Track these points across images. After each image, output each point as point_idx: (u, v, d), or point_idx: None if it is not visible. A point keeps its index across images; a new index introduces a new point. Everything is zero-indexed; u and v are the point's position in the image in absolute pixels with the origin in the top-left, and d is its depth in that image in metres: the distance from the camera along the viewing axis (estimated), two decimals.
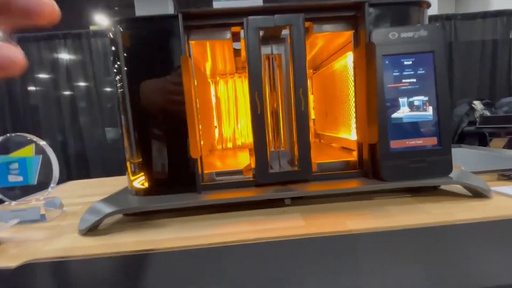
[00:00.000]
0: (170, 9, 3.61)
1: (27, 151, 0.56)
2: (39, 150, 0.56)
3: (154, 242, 0.36)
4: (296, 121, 0.44)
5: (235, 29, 0.46)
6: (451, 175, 0.44)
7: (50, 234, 0.43)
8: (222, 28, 0.46)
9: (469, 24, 2.50)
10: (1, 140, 0.55)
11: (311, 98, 0.81)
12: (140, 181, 0.47)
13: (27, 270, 0.33)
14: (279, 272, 0.30)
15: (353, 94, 0.49)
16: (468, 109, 2.18)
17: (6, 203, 0.55)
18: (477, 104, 2.19)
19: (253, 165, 0.45)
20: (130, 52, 0.45)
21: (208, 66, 0.70)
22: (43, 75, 2.43)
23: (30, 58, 2.38)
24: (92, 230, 0.41)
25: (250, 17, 0.42)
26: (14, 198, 0.56)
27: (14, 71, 0.15)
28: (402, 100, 0.44)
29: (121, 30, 0.44)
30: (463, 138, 2.14)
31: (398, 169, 0.44)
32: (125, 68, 0.45)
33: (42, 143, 0.56)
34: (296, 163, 0.45)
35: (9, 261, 0.34)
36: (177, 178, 0.46)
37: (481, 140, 2.01)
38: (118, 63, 0.45)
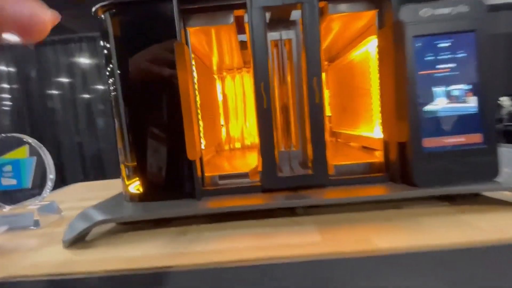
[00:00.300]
0: None
1: (21, 153, 0.53)
2: (33, 152, 0.53)
3: (145, 259, 0.31)
4: (310, 115, 0.38)
5: (238, 12, 0.40)
6: (498, 179, 0.37)
7: (38, 244, 0.39)
8: (224, 11, 0.40)
9: (494, 15, 2.33)
10: None
11: (326, 93, 0.74)
12: (135, 186, 0.42)
13: None
14: None
15: (377, 85, 0.42)
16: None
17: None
18: (505, 100, 2.03)
19: (260, 168, 0.39)
20: (120, 41, 0.40)
21: (215, 60, 0.65)
22: (60, 79, 2.47)
23: (47, 61, 2.42)
24: (80, 240, 0.37)
25: None
26: (8, 202, 0.52)
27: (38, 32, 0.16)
28: (438, 90, 0.37)
29: (109, 16, 0.39)
30: None
31: (433, 172, 0.37)
32: (116, 60, 0.40)
33: (37, 144, 0.53)
34: (310, 165, 0.38)
35: None
36: (175, 183, 0.40)
37: (509, 139, 1.86)
38: (107, 51, 0.40)
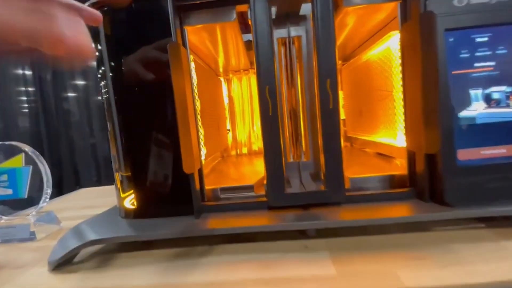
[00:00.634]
0: None
1: (16, 162, 0.51)
2: (30, 160, 0.50)
3: None
4: (322, 122, 0.33)
5: (241, 7, 0.36)
6: None
7: (29, 261, 0.37)
8: (225, 7, 0.36)
9: None
10: None
11: (339, 94, 0.69)
12: (130, 200, 0.39)
13: None
14: None
15: (400, 87, 0.37)
16: None
17: None
18: None
19: (265, 181, 0.34)
20: (112, 42, 0.36)
21: (220, 61, 0.61)
22: (75, 81, 2.50)
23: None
24: (68, 262, 0.34)
25: None
26: (4, 213, 0.50)
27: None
28: (475, 93, 0.31)
29: (101, 14, 0.36)
30: None
31: (469, 190, 0.31)
32: (108, 61, 0.37)
33: (33, 152, 0.50)
34: (323, 178, 0.34)
35: None
36: (172, 198, 0.37)
37: None
38: (98, 53, 0.37)
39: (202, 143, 0.41)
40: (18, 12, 0.19)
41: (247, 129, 0.68)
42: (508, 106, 0.31)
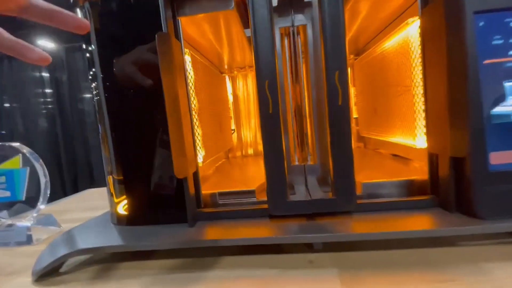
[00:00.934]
0: None
1: (14, 163, 0.49)
2: (27, 162, 0.49)
3: None
4: (330, 121, 0.29)
5: None
6: None
7: (19, 267, 0.35)
8: None
9: None
10: None
11: (352, 91, 0.64)
12: (123, 206, 0.36)
13: None
14: None
15: (421, 81, 0.32)
16: None
17: None
18: None
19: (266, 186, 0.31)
20: (103, 37, 0.34)
21: (225, 57, 0.58)
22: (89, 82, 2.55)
23: (76, 66, 2.50)
24: (53, 272, 0.31)
25: None
26: (2, 216, 0.49)
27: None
28: (510, 85, 0.27)
29: (90, 6, 0.33)
30: None
31: (503, 199, 0.27)
32: (98, 59, 0.34)
33: (31, 153, 0.49)
34: (331, 183, 0.30)
35: None
36: (165, 204, 0.34)
37: None
38: (89, 54, 0.35)
39: (200, 144, 0.38)
40: None
41: (253, 129, 0.65)
42: None
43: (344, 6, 0.29)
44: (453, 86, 0.27)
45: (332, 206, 0.28)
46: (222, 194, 0.36)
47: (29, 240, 0.46)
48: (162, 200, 0.34)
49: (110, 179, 0.37)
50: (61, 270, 0.32)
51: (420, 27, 0.32)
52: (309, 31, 0.33)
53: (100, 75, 0.34)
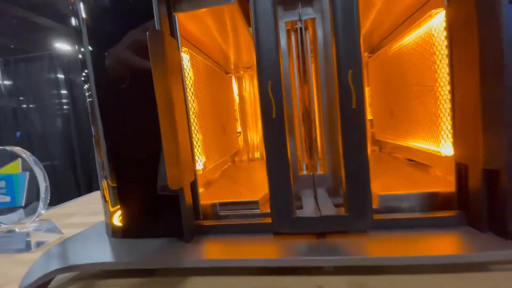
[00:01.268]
0: None
1: (13, 168, 0.48)
2: (26, 166, 0.48)
3: None
4: (343, 126, 0.26)
5: None
6: None
7: (14, 277, 0.33)
8: None
9: None
10: None
11: (366, 91, 0.60)
12: (118, 217, 0.34)
13: None
14: None
15: (447, 80, 0.28)
16: None
17: None
18: None
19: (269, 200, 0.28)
20: (94, 33, 0.31)
21: (231, 56, 0.55)
22: None
23: None
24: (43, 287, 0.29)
25: None
26: (2, 221, 0.48)
27: None
28: None
29: (81, 2, 0.31)
30: None
31: None
32: (90, 57, 0.32)
33: (30, 158, 0.47)
34: (344, 197, 0.26)
35: None
36: (161, 216, 0.31)
37: None
38: (81, 56, 0.32)
39: (199, 150, 0.35)
40: None
41: (259, 132, 0.62)
42: None
43: None
44: (487, 85, 0.23)
45: (344, 224, 0.25)
46: (223, 205, 0.33)
47: (28, 247, 0.45)
48: (159, 211, 0.32)
49: (104, 184, 0.35)
50: (50, 286, 0.30)
51: (446, 19, 0.28)
52: (319, 25, 0.29)
53: (92, 76, 0.32)
